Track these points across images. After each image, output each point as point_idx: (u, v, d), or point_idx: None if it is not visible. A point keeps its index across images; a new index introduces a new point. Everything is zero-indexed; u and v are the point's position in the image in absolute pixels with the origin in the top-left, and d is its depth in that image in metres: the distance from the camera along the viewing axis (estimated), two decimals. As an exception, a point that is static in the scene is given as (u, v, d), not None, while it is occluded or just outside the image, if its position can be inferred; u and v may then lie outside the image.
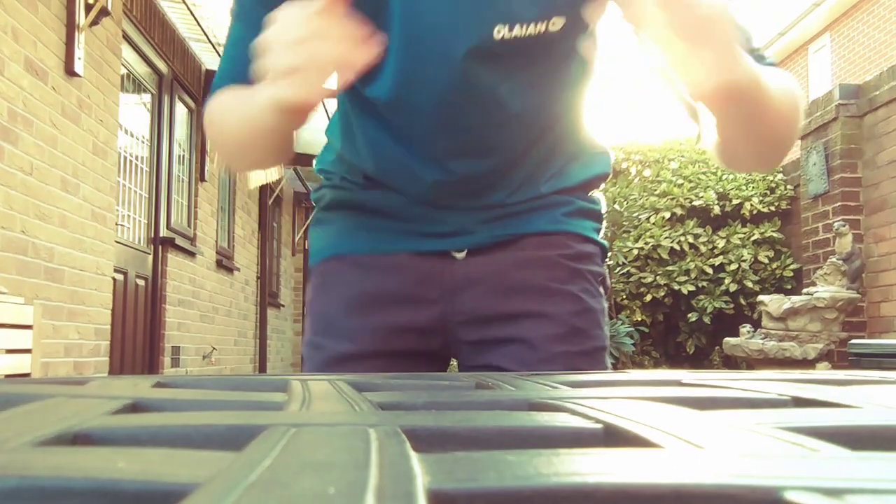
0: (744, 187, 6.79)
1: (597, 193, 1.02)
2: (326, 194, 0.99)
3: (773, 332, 5.09)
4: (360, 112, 0.89)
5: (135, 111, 5.10)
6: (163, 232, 5.34)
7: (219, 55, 5.74)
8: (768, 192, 6.77)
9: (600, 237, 1.01)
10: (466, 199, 0.91)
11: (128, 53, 4.72)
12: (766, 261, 6.48)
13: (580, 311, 0.93)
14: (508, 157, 0.89)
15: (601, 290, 0.98)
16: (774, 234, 6.58)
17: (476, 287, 0.92)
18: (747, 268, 6.43)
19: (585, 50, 0.78)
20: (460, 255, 0.92)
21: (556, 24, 0.74)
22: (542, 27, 0.74)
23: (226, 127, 0.82)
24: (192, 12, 4.99)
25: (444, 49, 0.77)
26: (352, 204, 0.96)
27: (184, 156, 5.87)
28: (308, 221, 7.57)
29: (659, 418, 0.30)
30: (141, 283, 5.08)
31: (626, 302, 6.64)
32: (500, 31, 0.74)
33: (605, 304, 0.99)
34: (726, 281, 6.46)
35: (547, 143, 0.92)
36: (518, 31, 0.74)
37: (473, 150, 0.87)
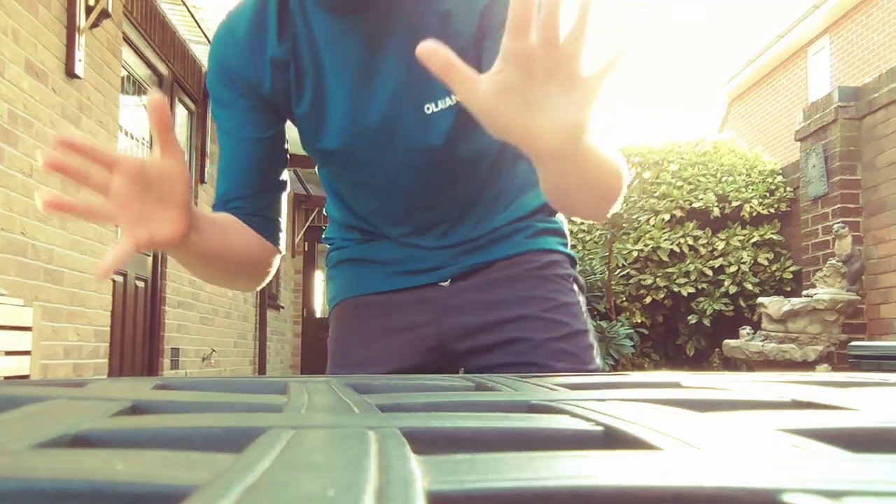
0: (743, 189, 6.79)
1: (558, 215, 1.15)
2: (333, 257, 1.20)
3: (772, 334, 5.09)
4: (339, 185, 1.10)
5: (135, 113, 5.10)
6: (162, 234, 5.33)
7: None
8: (768, 195, 6.77)
9: (566, 249, 1.14)
10: (436, 240, 1.08)
11: (128, 55, 4.72)
12: (766, 263, 6.47)
13: (553, 307, 1.06)
14: (459, 201, 1.06)
15: (574, 287, 1.11)
16: (774, 237, 6.58)
17: (459, 308, 1.08)
18: (747, 270, 6.43)
19: None
20: (445, 284, 1.09)
21: None
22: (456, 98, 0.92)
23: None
24: (192, 14, 4.99)
25: (389, 134, 0.96)
26: (352, 258, 1.16)
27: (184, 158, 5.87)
28: (307, 223, 7.51)
29: (658, 420, 0.30)
30: (140, 284, 5.08)
31: (625, 304, 6.63)
32: (430, 108, 0.94)
33: (581, 299, 1.11)
34: (726, 283, 6.45)
35: (494, 182, 1.07)
36: (441, 104, 0.93)
37: (428, 202, 1.04)
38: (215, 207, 1.02)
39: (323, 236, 1.24)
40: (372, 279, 1.12)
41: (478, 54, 0.89)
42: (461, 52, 0.82)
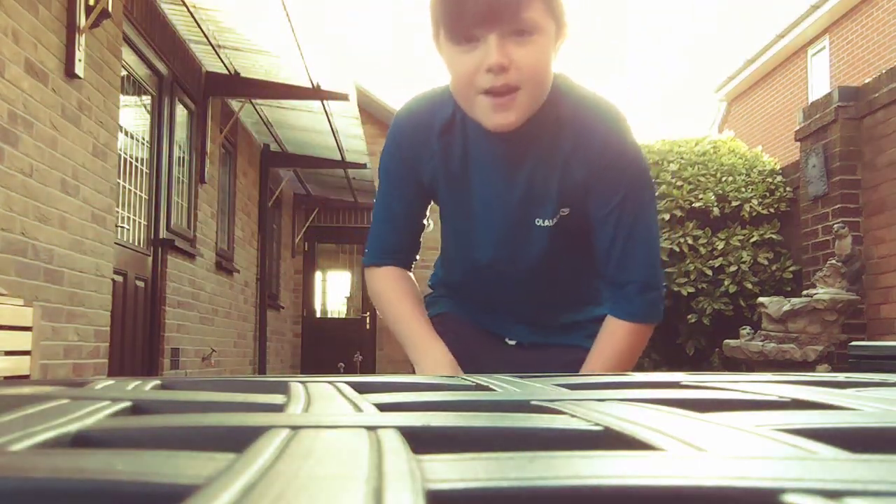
0: (743, 189, 6.78)
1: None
2: (434, 292, 1.53)
3: (772, 333, 5.08)
4: (456, 263, 1.43)
5: (135, 113, 5.10)
6: (162, 234, 5.34)
7: (219, 57, 5.76)
8: (768, 194, 6.76)
9: None
10: (513, 320, 1.41)
11: (128, 55, 4.72)
12: (766, 262, 6.47)
13: None
14: (541, 297, 1.38)
15: None
16: (774, 236, 6.57)
17: (514, 362, 1.37)
18: (747, 269, 6.42)
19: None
20: (511, 343, 1.43)
21: (565, 212, 1.25)
22: (556, 218, 1.25)
23: (387, 319, 1.38)
24: (192, 14, 4.99)
25: (512, 227, 1.29)
26: (449, 297, 1.49)
27: (184, 157, 5.87)
28: (307, 223, 7.54)
29: (659, 420, 0.30)
30: (140, 284, 5.07)
31: (625, 304, 6.62)
32: (539, 222, 1.26)
33: None
34: (726, 283, 6.45)
35: (569, 290, 1.40)
36: (548, 222, 1.25)
37: (516, 292, 1.37)
38: (379, 255, 1.37)
39: (429, 282, 1.57)
40: (463, 310, 1.45)
41: (586, 196, 1.23)
42: (573, 189, 1.23)
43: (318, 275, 10.97)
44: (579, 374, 1.20)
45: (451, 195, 1.31)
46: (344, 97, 6.01)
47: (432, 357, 1.25)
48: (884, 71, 5.42)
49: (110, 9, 3.94)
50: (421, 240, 1.40)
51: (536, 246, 1.28)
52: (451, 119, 1.26)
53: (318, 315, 10.89)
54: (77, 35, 3.75)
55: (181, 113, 5.79)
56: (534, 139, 1.22)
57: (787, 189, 6.70)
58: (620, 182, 1.22)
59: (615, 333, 1.27)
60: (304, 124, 7.05)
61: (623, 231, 1.23)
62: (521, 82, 1.12)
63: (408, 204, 1.35)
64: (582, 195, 1.23)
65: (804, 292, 5.20)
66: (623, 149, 1.22)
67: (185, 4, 4.85)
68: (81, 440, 0.26)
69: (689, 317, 6.49)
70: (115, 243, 4.44)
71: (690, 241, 6.58)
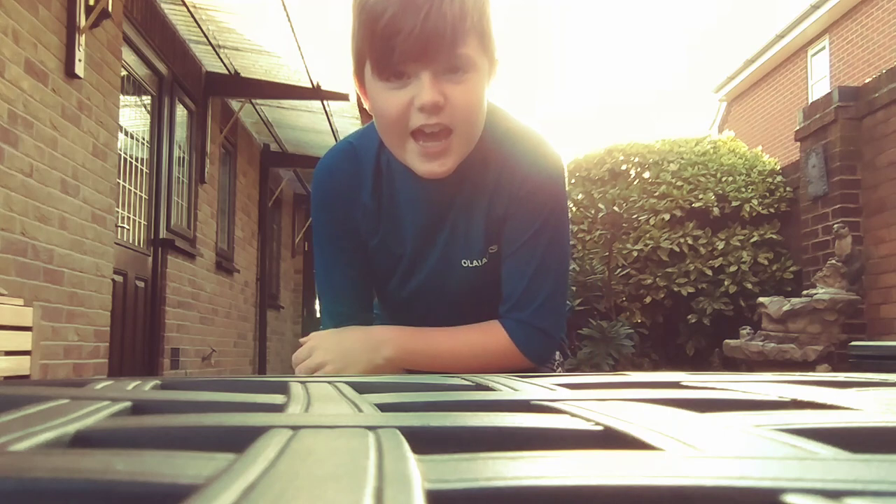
0: (743, 189, 6.79)
1: None
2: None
3: (772, 333, 5.08)
4: (390, 303, 1.42)
5: (135, 113, 5.10)
6: (162, 234, 5.34)
7: (219, 57, 5.76)
8: (768, 194, 6.77)
9: None
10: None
11: (128, 55, 4.72)
12: (766, 263, 6.47)
13: None
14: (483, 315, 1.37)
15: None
16: (774, 236, 6.57)
17: None
18: (747, 270, 6.42)
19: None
20: None
21: (494, 249, 1.23)
22: (485, 258, 1.24)
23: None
24: (192, 14, 4.99)
25: (438, 272, 1.29)
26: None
27: (184, 157, 5.87)
28: (307, 223, 7.56)
29: (658, 420, 0.30)
30: (140, 284, 5.07)
31: (625, 304, 6.63)
32: (465, 262, 1.25)
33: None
34: (726, 283, 6.45)
35: (486, 313, 1.38)
36: (476, 262, 1.25)
37: (462, 317, 1.34)
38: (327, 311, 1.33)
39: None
40: None
41: (503, 229, 1.21)
42: (497, 223, 1.22)
43: (318, 275, 10.97)
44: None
45: (383, 240, 1.26)
46: (344, 97, 6.01)
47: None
48: (884, 71, 5.42)
49: (110, 9, 3.94)
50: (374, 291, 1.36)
51: (465, 283, 1.26)
52: (377, 166, 1.20)
53: (318, 315, 10.89)
54: (77, 35, 3.75)
55: (181, 113, 5.79)
56: (461, 179, 1.17)
57: (787, 189, 6.70)
58: (536, 217, 1.17)
59: (487, 329, 1.20)
60: (304, 124, 7.05)
61: (532, 266, 1.17)
62: (454, 123, 1.05)
63: (355, 271, 1.28)
64: (502, 228, 1.20)
65: (804, 292, 5.20)
66: (541, 184, 1.17)
67: (185, 4, 4.85)
68: (81, 440, 0.26)
69: (690, 317, 6.49)
70: (115, 243, 4.44)
71: (690, 241, 6.58)
